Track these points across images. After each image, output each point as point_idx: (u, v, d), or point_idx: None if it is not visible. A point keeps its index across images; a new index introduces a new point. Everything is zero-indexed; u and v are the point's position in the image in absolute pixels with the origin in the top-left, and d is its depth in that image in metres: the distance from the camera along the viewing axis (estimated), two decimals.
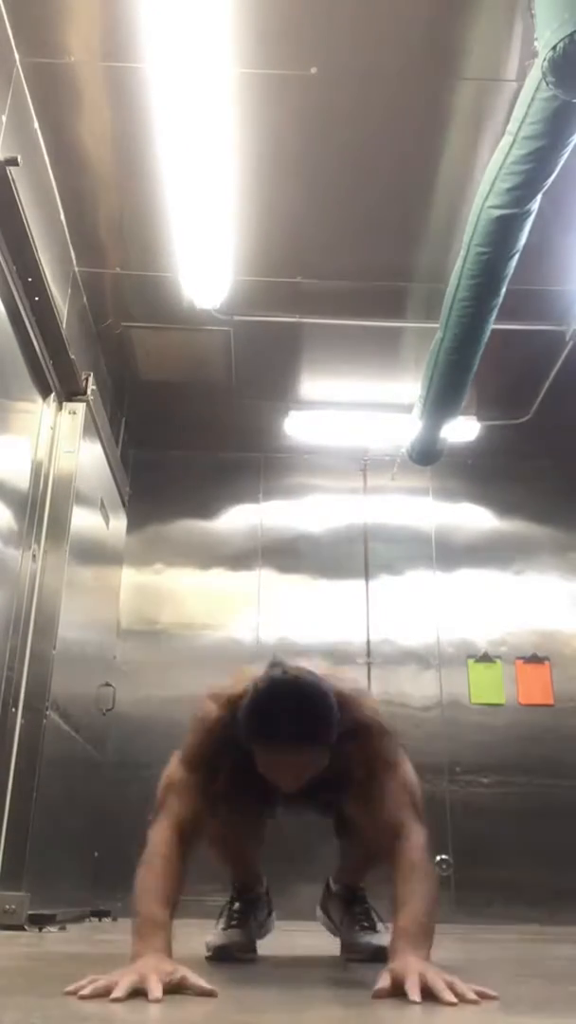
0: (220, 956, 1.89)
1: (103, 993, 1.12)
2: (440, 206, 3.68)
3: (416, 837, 1.51)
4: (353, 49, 3.03)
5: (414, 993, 1.16)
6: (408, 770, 1.65)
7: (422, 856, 1.48)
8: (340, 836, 2.00)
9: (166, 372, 4.85)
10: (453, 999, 1.14)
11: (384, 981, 1.21)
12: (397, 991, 1.19)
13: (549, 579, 5.32)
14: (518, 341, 4.23)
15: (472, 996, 1.16)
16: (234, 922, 2.00)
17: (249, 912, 2.04)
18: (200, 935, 1.95)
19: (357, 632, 5.12)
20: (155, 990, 1.14)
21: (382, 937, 1.92)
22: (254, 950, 2.01)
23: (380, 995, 1.20)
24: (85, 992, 1.12)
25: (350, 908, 2.07)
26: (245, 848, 2.03)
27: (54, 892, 3.17)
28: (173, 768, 1.63)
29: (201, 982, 1.18)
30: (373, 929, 2.01)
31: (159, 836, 1.51)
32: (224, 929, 1.99)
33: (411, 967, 1.22)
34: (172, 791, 1.59)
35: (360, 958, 1.93)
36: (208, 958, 1.86)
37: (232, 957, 1.89)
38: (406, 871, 1.45)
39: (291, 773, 1.53)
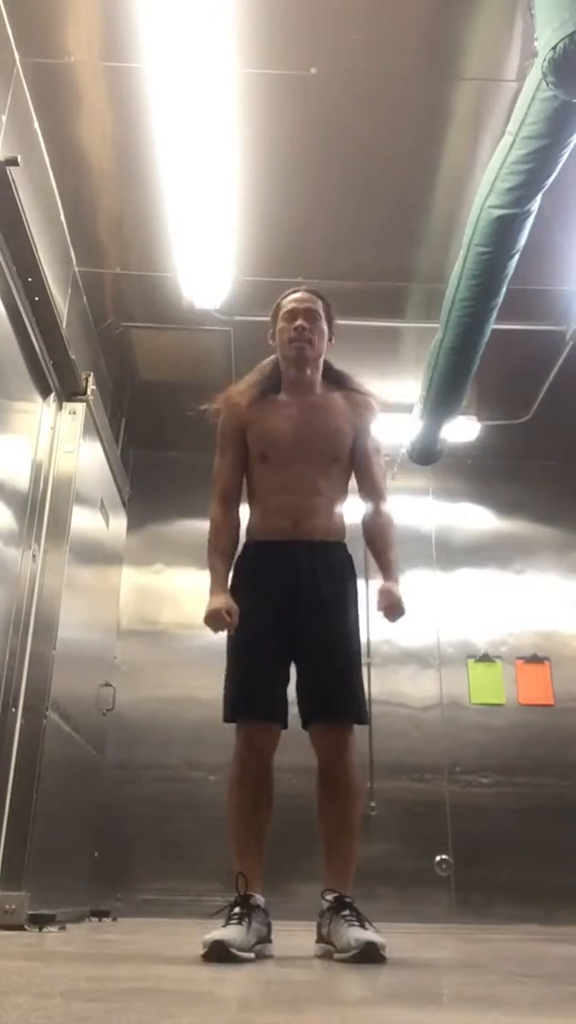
0: (216, 952, 1.78)
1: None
2: (440, 206, 3.68)
3: (389, 510, 2.42)
4: (353, 49, 3.03)
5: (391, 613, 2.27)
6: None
7: (392, 522, 2.41)
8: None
9: (166, 372, 4.85)
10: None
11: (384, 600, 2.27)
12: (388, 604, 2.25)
13: (549, 579, 5.32)
14: (518, 341, 4.22)
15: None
16: (234, 920, 1.94)
17: (250, 914, 1.98)
18: (200, 934, 1.95)
19: None
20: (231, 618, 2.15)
21: (371, 933, 1.89)
22: (250, 949, 1.91)
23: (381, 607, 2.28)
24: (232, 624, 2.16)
25: (338, 913, 2.01)
26: (259, 796, 2.14)
27: (54, 892, 3.17)
28: (215, 462, 2.40)
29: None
30: (362, 925, 1.94)
31: (214, 512, 2.35)
32: (223, 926, 1.91)
33: (394, 590, 2.26)
34: (218, 478, 2.38)
35: (350, 957, 1.85)
36: (204, 956, 1.77)
37: (228, 955, 1.78)
38: (384, 529, 2.38)
39: (305, 315, 2.45)
